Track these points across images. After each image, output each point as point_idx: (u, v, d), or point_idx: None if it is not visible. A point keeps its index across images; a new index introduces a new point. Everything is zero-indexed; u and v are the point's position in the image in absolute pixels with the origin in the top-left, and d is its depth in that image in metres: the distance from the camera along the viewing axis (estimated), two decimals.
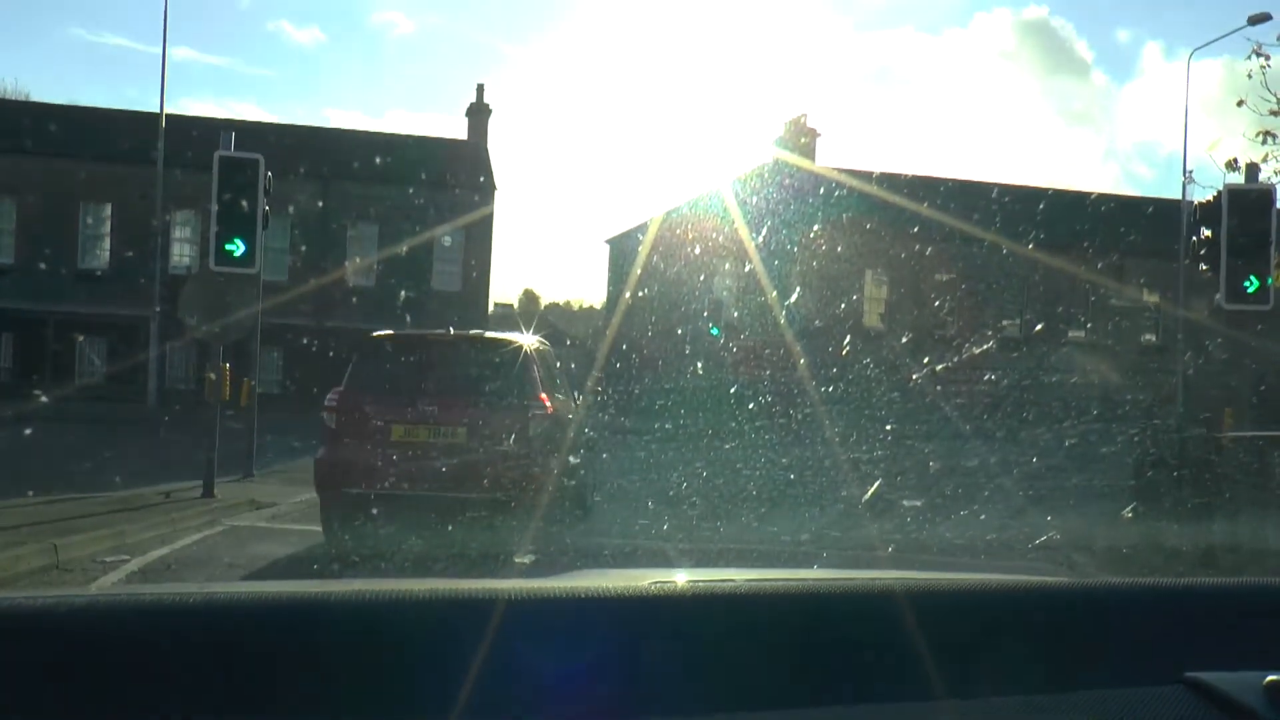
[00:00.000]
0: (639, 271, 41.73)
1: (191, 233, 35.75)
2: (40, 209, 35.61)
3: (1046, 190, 46.78)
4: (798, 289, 38.45)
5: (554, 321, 76.88)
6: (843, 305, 38.52)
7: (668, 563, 9.08)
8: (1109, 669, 1.83)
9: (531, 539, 9.77)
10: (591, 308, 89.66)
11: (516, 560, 9.05)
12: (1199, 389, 38.65)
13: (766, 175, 40.84)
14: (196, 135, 36.34)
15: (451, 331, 12.43)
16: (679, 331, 35.64)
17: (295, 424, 27.09)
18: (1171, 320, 42.64)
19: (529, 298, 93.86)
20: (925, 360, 36.67)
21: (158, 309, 31.15)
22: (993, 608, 1.98)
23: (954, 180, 45.18)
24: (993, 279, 40.28)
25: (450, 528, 9.76)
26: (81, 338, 35.16)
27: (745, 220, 36.82)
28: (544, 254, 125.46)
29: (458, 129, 43.26)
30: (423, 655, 1.60)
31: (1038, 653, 1.84)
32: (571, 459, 11.78)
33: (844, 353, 35.58)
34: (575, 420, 12.56)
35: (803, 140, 43.30)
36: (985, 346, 38.66)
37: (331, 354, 35.13)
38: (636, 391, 29.90)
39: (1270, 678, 1.69)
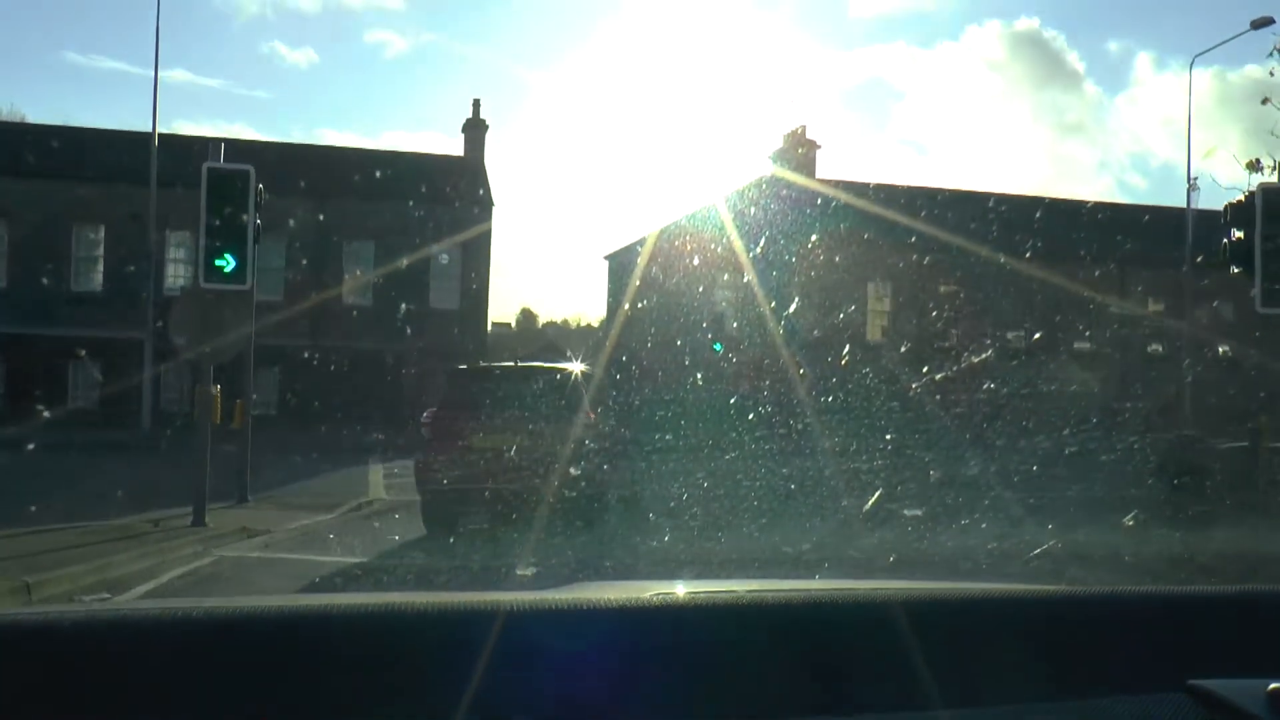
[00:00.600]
0: (638, 285, 41.05)
1: (186, 253, 34.94)
2: (32, 231, 34.82)
3: (1045, 199, 46.20)
4: (797, 301, 37.78)
5: (553, 339, 76.97)
6: (842, 316, 37.83)
7: (670, 574, 9.07)
8: (1111, 677, 1.82)
9: (533, 551, 10.37)
10: (589, 325, 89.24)
11: (519, 572, 9.23)
12: (1198, 398, 38.24)
13: (765, 188, 40.20)
14: (190, 155, 35.93)
15: (517, 363, 15.90)
16: (679, 344, 34.92)
17: (293, 445, 26.57)
18: (1172, 329, 42.09)
19: (526, 316, 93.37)
20: (925, 370, 36.13)
21: (152, 330, 30.36)
22: (994, 617, 1.97)
23: (952, 190, 44.66)
24: (992, 289, 39.62)
25: (518, 518, 10.93)
26: (75, 361, 34.33)
27: (744, 233, 36.19)
28: (541, 272, 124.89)
29: (454, 148, 42.41)
30: (423, 668, 1.60)
31: (1040, 661, 1.83)
32: (608, 458, 14.04)
33: (844, 363, 35.01)
34: (608, 430, 14.73)
35: (801, 151, 42.65)
36: (984, 356, 38.04)
37: (332, 371, 34.70)
38: (637, 403, 29.36)
39: (1273, 685, 1.68)
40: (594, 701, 1.62)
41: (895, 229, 37.32)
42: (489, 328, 44.99)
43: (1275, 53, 24.42)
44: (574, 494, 12.67)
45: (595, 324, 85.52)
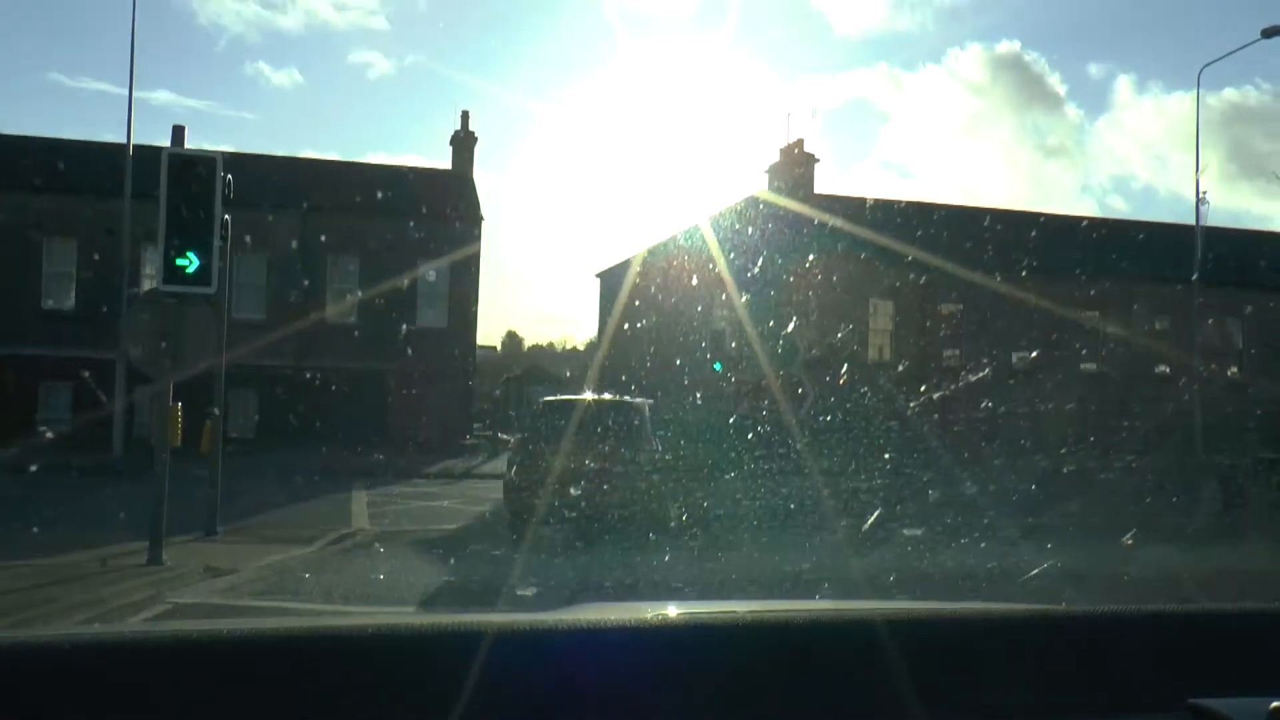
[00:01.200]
0: (636, 304, 39.48)
1: None
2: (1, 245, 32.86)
3: (1042, 215, 44.78)
4: (795, 320, 36.25)
5: (539, 362, 75.85)
6: (840, 335, 36.22)
7: (669, 594, 8.98)
8: (1113, 696, 1.81)
9: (533, 572, 10.66)
10: (575, 348, 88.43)
11: (519, 593, 9.09)
12: (1204, 415, 36.78)
13: (761, 205, 38.64)
14: None
15: (589, 396, 18.41)
16: (677, 364, 33.25)
17: (273, 470, 24.82)
18: (1174, 347, 40.69)
19: (512, 339, 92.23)
20: (923, 390, 34.90)
21: (124, 349, 28.44)
22: (996, 636, 1.96)
23: (948, 206, 43.26)
24: (990, 307, 38.09)
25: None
26: (45, 381, 32.41)
27: (740, 250, 34.63)
28: (527, 296, 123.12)
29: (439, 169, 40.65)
30: (417, 688, 1.60)
31: (1041, 680, 1.82)
32: (666, 479, 15.37)
33: (842, 382, 33.48)
34: (667, 456, 16.09)
35: (798, 171, 41.11)
36: (982, 375, 36.62)
37: (316, 392, 32.85)
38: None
39: (1275, 704, 1.66)
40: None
41: (892, 246, 35.89)
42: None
43: None
44: (637, 511, 14.39)
45: (581, 347, 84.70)
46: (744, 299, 35.83)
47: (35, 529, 13.52)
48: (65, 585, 9.65)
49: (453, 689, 1.55)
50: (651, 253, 40.74)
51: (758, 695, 1.72)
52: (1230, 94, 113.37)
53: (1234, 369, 41.27)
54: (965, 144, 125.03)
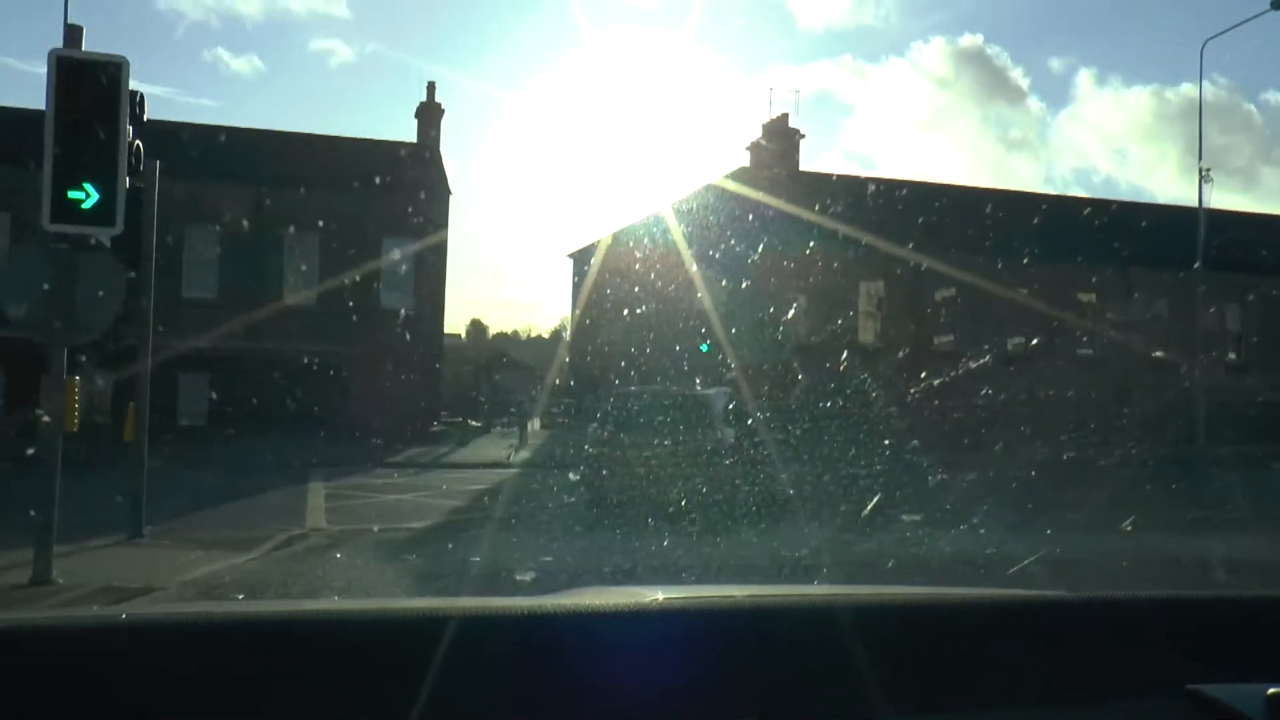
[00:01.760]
0: (611, 284, 36.97)
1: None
2: None
3: (1037, 197, 42.75)
4: (787, 302, 33.99)
5: (505, 350, 74.89)
6: (840, 321, 33.96)
7: (669, 579, 8.65)
8: (1110, 681, 1.81)
9: (533, 556, 10.14)
10: (540, 336, 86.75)
11: (518, 578, 8.79)
12: (1187, 404, 34.82)
13: (744, 181, 36.29)
14: None
15: (663, 386, 19.79)
16: (658, 344, 30.81)
17: (223, 461, 22.27)
18: (1174, 333, 38.75)
19: (477, 328, 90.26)
20: (920, 376, 32.76)
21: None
22: (993, 621, 1.96)
23: (944, 185, 41.11)
24: (987, 291, 35.90)
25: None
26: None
27: (722, 229, 32.21)
28: (491, 284, 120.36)
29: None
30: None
31: (1039, 666, 1.81)
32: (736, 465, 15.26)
33: (842, 369, 31.31)
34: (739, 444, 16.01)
35: (782, 147, 38.78)
36: (979, 361, 34.49)
37: (272, 377, 30.11)
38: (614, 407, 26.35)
39: (1272, 689, 1.66)
40: (592, 704, 1.59)
41: (883, 227, 33.75)
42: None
43: None
44: (709, 496, 14.17)
45: (546, 335, 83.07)
46: (726, 280, 33.54)
47: None
48: None
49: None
50: (625, 233, 38.35)
51: (758, 677, 1.68)
52: (1188, 88, 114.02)
53: (1233, 354, 39.36)
54: (928, 136, 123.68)
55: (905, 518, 13.18)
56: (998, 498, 15.29)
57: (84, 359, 28.14)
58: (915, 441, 20.83)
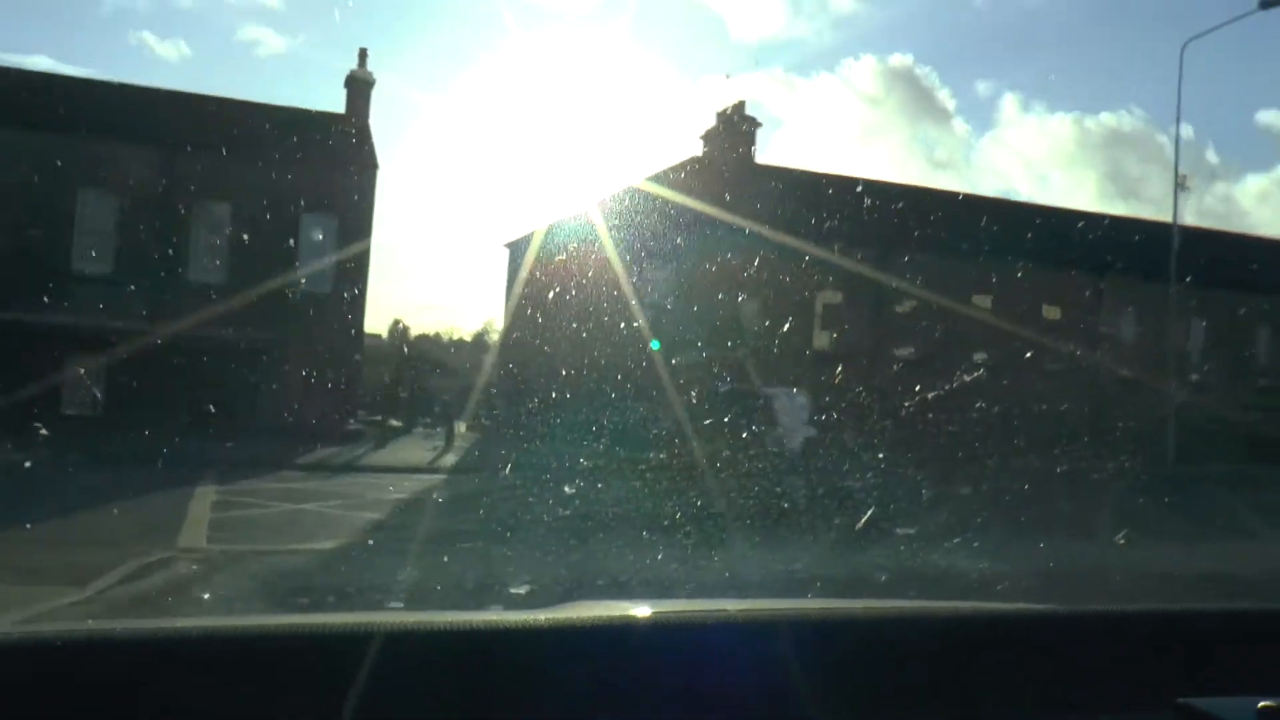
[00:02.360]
0: (547, 279, 33.86)
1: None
2: None
3: (1000, 202, 40.59)
4: (739, 299, 31.30)
5: (428, 352, 72.77)
6: (783, 321, 31.27)
7: (662, 592, 8.20)
8: (1101, 695, 1.79)
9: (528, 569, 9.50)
10: (462, 339, 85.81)
11: (511, 590, 8.34)
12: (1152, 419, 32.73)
13: (697, 171, 33.57)
14: (24, 94, 27.98)
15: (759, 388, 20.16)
16: (601, 341, 27.85)
17: (107, 459, 19.07)
18: (1142, 347, 36.72)
19: (399, 328, 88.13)
20: (873, 383, 30.34)
21: None
22: (984, 635, 1.94)
23: (905, 186, 38.77)
24: (948, 294, 33.51)
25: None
26: None
27: (671, 221, 29.35)
28: (413, 286, 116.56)
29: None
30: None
31: (1030, 679, 1.80)
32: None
33: (837, 380, 28.77)
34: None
35: (737, 136, 36.15)
36: (960, 377, 32.06)
37: (174, 363, 26.64)
38: (553, 417, 23.70)
39: (1263, 703, 1.66)
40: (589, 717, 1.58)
41: (837, 223, 31.24)
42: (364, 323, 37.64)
43: None
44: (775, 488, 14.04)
45: (468, 338, 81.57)
46: (673, 276, 30.82)
47: None
48: None
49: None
50: (561, 227, 35.33)
51: (751, 690, 1.66)
52: (1107, 118, 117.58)
53: (1195, 375, 37.36)
54: (857, 152, 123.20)
55: (900, 531, 12.41)
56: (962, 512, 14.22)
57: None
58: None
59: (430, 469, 23.17)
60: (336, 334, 29.22)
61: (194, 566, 9.89)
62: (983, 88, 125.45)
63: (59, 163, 25.63)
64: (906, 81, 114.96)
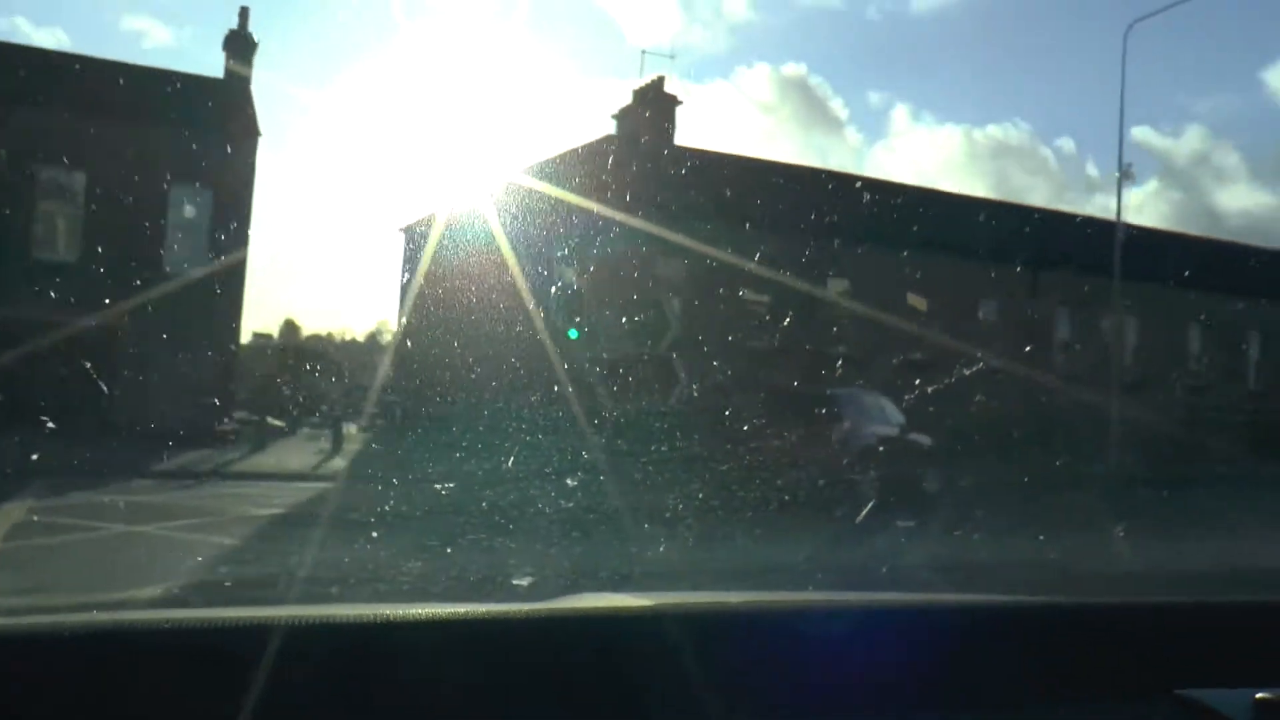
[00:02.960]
0: (447, 265, 30.40)
1: None
2: None
3: (940, 192, 38.27)
4: (667, 292, 28.38)
5: (321, 352, 71.88)
6: (720, 314, 28.40)
7: (666, 585, 6.60)
8: (1099, 686, 1.78)
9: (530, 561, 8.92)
10: (355, 339, 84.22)
11: (514, 583, 6.71)
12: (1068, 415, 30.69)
13: (609, 152, 30.53)
14: None
15: (829, 391, 19.50)
16: (511, 332, 24.59)
17: None
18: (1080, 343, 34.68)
19: (290, 328, 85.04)
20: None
21: None
22: (985, 626, 1.93)
23: (823, 171, 36.30)
24: (883, 289, 31.02)
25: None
26: None
27: (580, 204, 26.18)
28: (304, 285, 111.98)
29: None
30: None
31: (1029, 670, 1.79)
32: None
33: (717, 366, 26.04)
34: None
35: (654, 116, 33.14)
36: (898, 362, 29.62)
37: (17, 351, 22.74)
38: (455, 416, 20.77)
39: (1260, 694, 1.67)
40: (590, 711, 1.54)
41: (758, 207, 28.58)
42: (248, 338, 33.93)
43: None
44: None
45: (361, 339, 79.73)
46: (583, 263, 27.76)
47: None
48: None
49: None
50: (461, 211, 31.92)
51: (751, 682, 1.64)
52: (994, 130, 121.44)
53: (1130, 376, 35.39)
54: (750, 160, 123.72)
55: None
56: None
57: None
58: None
59: (313, 475, 19.72)
60: (210, 321, 25.45)
61: None
62: (875, 98, 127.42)
63: None
64: (800, 90, 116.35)
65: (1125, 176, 30.48)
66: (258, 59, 29.61)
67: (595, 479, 13.91)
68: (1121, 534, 12.83)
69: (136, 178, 24.52)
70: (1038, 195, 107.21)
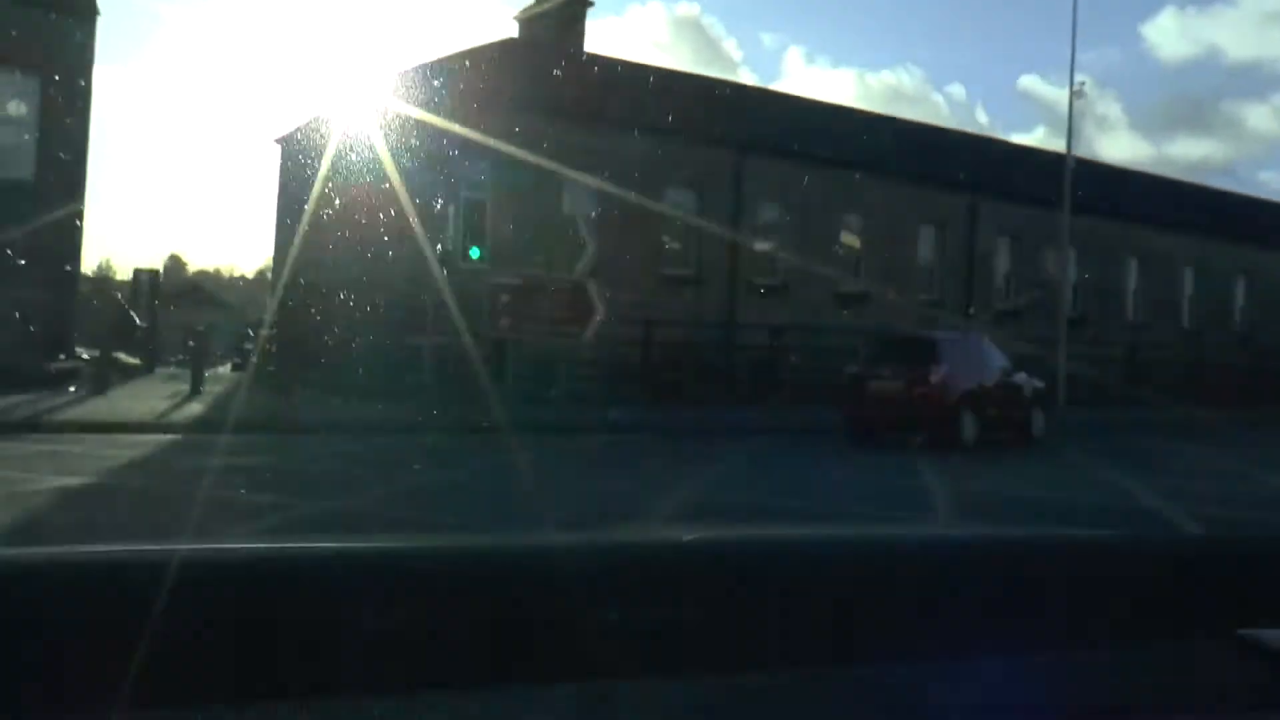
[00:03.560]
0: (333, 178, 26.22)
1: None
2: None
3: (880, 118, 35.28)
4: (584, 209, 24.83)
5: (206, 288, 69.14)
6: (642, 238, 24.92)
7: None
8: (1159, 624, 1.65)
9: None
10: (243, 276, 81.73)
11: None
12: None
13: (510, 56, 26.74)
14: None
15: (917, 334, 19.49)
16: (405, 256, 20.71)
17: None
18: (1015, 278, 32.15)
19: (175, 263, 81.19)
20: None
21: None
22: (1042, 563, 1.79)
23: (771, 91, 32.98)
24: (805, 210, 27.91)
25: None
26: None
27: (484, 109, 22.34)
28: (190, 216, 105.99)
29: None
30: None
31: (1088, 608, 1.65)
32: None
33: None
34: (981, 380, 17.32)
35: (563, 18, 29.29)
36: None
37: None
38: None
39: None
40: (613, 644, 1.38)
41: (696, 127, 25.40)
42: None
43: None
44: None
45: (250, 275, 76.56)
46: (491, 175, 24.09)
47: None
48: None
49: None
50: (344, 115, 27.72)
51: (766, 623, 1.49)
52: (887, 75, 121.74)
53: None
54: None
55: None
56: None
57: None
58: None
59: (158, 425, 15.76)
60: (40, 237, 21.01)
61: None
62: (769, 40, 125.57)
63: None
64: (693, 30, 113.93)
65: (1076, 95, 27.55)
66: None
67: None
68: None
69: None
70: None
